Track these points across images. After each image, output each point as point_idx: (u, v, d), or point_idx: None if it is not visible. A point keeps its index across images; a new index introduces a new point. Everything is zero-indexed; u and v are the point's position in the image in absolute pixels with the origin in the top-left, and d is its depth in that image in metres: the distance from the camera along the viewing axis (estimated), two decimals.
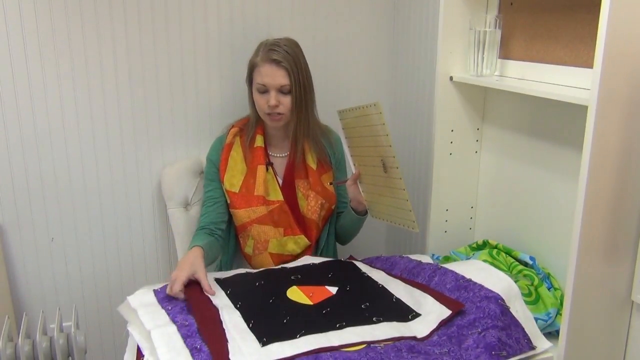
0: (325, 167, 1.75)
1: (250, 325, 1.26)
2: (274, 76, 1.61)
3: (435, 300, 1.35)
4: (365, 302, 1.37)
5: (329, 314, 1.33)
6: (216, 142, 1.75)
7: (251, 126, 1.72)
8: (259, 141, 1.71)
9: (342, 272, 1.54)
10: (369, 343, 1.21)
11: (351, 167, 1.66)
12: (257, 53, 1.66)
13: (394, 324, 1.30)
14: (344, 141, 1.66)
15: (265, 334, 1.22)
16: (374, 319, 1.31)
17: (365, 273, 1.53)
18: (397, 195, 1.48)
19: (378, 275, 1.51)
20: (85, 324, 1.97)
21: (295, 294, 1.41)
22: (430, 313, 1.32)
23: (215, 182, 1.71)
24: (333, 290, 1.43)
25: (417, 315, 1.33)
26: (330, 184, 1.74)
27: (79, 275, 1.93)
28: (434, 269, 1.47)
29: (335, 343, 1.20)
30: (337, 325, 1.27)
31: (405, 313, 1.33)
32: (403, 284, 1.45)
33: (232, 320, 1.27)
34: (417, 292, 1.40)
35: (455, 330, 1.26)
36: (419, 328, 1.29)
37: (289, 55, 1.61)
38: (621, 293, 1.30)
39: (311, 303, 1.37)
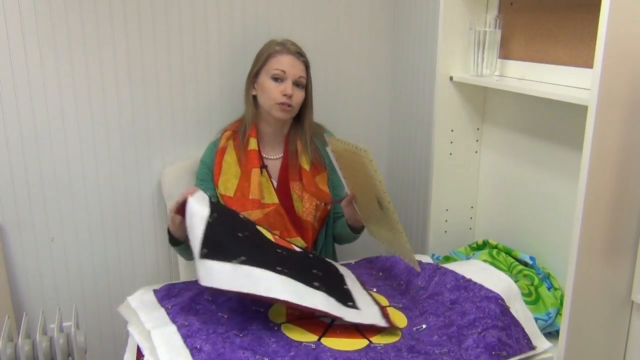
0: (319, 168, 1.75)
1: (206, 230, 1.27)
2: (294, 66, 1.66)
3: (379, 311, 1.33)
4: (319, 272, 1.38)
5: (281, 256, 1.34)
6: (210, 146, 1.74)
7: (244, 128, 1.72)
8: (252, 144, 1.70)
9: (312, 253, 1.56)
10: (288, 304, 1.23)
11: (345, 188, 1.62)
12: (271, 46, 1.69)
13: (331, 300, 1.29)
14: (334, 162, 1.60)
15: (209, 246, 1.24)
16: (315, 284, 1.30)
17: (334, 264, 1.53)
18: (396, 234, 1.44)
19: (349, 278, 1.49)
20: (85, 324, 1.97)
21: (263, 230, 1.45)
22: (367, 314, 1.31)
23: (207, 183, 1.70)
24: (297, 249, 1.46)
25: (356, 307, 1.32)
26: (325, 204, 1.72)
27: (79, 275, 1.93)
28: (434, 269, 1.47)
29: (261, 291, 1.21)
30: (278, 269, 1.26)
31: (345, 299, 1.33)
32: (364, 291, 1.44)
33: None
34: (370, 301, 1.38)
35: (455, 330, 1.26)
36: (350, 315, 1.28)
37: (304, 52, 1.71)
38: (621, 293, 1.30)
39: (272, 240, 1.41)
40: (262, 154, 1.73)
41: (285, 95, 1.64)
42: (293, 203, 1.71)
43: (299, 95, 1.67)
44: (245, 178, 1.68)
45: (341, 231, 1.76)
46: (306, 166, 1.72)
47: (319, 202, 1.70)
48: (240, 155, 1.70)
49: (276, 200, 1.68)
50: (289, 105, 1.65)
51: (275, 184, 1.72)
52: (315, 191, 1.71)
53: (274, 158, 1.75)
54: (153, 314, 1.32)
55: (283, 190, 1.71)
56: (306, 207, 1.70)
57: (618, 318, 1.32)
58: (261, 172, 1.69)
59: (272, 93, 1.65)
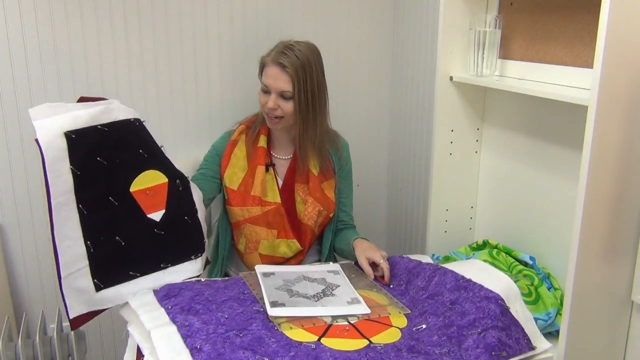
0: (328, 174, 1.73)
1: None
2: (277, 79, 1.59)
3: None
4: (161, 231, 1.45)
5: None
6: (224, 135, 1.74)
7: (257, 124, 1.72)
8: (262, 141, 1.70)
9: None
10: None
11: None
12: (270, 52, 1.64)
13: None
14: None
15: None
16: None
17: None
18: None
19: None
20: (86, 324, 1.97)
21: (137, 187, 1.43)
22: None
23: (210, 164, 1.70)
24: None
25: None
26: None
27: None
28: (434, 269, 1.47)
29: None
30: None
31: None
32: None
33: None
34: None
35: (455, 330, 1.26)
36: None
37: (298, 61, 1.58)
38: (621, 293, 1.30)
39: (145, 213, 1.43)
40: (271, 152, 1.73)
41: (268, 107, 1.61)
42: (295, 205, 1.71)
43: (285, 107, 1.61)
44: (251, 174, 1.68)
45: (342, 247, 1.75)
46: (314, 171, 1.71)
47: (322, 208, 1.70)
48: (250, 151, 1.70)
49: (278, 200, 1.68)
50: (275, 117, 1.63)
51: (280, 183, 1.72)
52: (320, 197, 1.70)
53: (283, 158, 1.74)
54: (153, 314, 1.32)
55: (287, 191, 1.71)
56: (308, 211, 1.70)
57: (618, 318, 1.32)
58: (267, 170, 1.68)
59: (261, 102, 1.64)
